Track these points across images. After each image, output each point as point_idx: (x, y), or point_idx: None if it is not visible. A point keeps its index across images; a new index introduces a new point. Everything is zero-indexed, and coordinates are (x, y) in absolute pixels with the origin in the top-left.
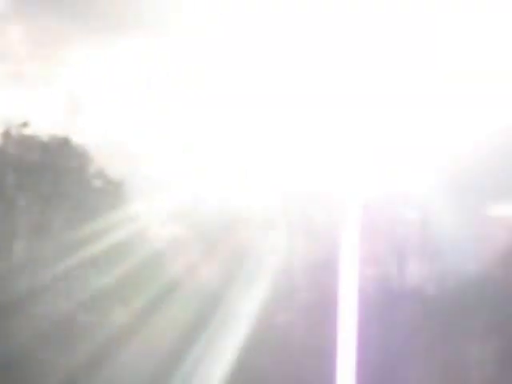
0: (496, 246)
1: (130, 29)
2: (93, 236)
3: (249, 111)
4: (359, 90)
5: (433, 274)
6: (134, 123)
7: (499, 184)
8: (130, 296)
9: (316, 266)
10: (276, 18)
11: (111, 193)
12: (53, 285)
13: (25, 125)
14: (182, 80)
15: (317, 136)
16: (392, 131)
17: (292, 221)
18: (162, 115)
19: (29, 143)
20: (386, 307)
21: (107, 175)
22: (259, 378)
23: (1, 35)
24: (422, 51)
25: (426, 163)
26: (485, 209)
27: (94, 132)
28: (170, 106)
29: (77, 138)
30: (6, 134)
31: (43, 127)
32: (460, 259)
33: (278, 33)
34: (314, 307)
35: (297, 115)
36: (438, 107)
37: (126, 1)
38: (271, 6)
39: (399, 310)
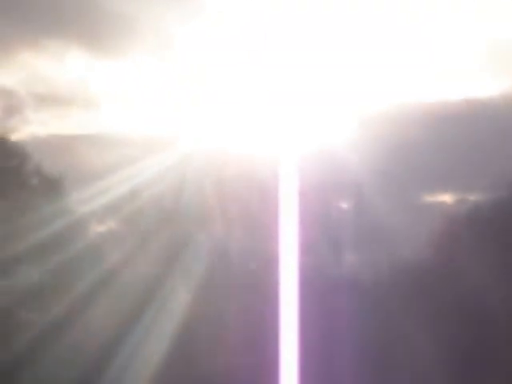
0: (430, 232)
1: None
2: (27, 233)
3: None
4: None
5: (369, 261)
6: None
7: (433, 172)
8: (67, 290)
9: (254, 255)
10: None
11: (48, 190)
12: None
13: None
14: None
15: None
16: (328, 117)
17: (228, 209)
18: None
19: None
20: (324, 295)
21: (44, 172)
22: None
23: None
24: None
25: (362, 151)
26: (419, 196)
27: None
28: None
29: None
30: None
31: None
32: (395, 246)
33: None
34: (253, 297)
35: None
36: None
37: None
38: None
39: (337, 297)
